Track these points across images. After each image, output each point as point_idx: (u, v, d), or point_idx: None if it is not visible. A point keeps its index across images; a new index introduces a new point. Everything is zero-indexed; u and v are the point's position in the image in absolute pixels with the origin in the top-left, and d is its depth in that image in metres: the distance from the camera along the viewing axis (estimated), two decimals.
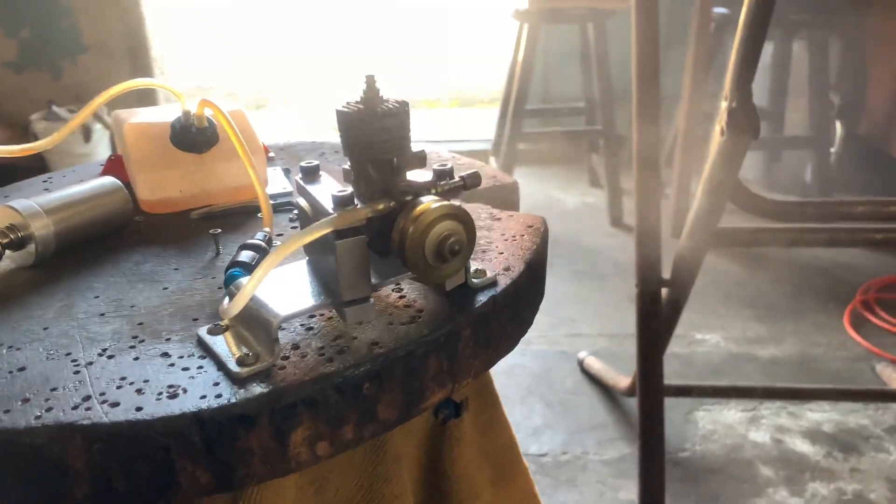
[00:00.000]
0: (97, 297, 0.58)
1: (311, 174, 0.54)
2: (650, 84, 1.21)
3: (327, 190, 0.49)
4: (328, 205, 0.47)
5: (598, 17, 2.42)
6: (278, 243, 0.66)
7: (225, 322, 0.51)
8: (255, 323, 0.49)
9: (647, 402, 1.31)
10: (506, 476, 0.75)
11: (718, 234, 1.14)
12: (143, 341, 0.51)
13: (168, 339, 0.51)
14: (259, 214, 0.69)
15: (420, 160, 0.48)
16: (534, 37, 2.41)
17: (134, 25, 3.19)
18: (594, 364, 1.90)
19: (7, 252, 0.62)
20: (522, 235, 0.65)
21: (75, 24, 3.15)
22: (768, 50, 2.59)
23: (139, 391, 0.45)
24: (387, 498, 0.62)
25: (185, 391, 0.45)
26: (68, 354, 0.50)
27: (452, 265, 0.46)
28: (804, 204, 1.11)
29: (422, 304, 0.54)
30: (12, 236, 0.61)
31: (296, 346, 0.49)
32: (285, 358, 0.48)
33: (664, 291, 1.32)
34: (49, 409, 0.44)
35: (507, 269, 0.59)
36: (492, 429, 0.73)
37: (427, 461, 0.68)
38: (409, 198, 0.47)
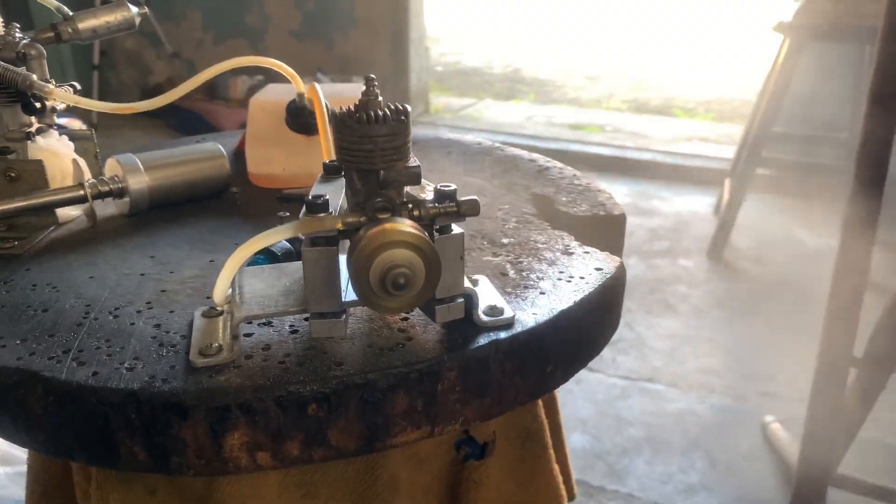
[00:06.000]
0: (153, 256, 0.62)
1: (333, 172, 0.51)
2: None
3: (323, 192, 0.46)
4: (304, 208, 0.44)
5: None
6: None
7: (221, 307, 0.51)
8: (232, 315, 0.48)
9: (801, 494, 1.10)
10: None
11: None
12: (151, 308, 0.53)
13: (172, 312, 0.53)
14: None
15: (412, 176, 0.43)
16: (794, 54, 2.12)
17: (399, 7, 3.39)
18: (779, 433, 1.65)
19: (113, 200, 0.68)
20: (582, 278, 0.56)
21: (351, 1, 3.44)
22: None
23: (109, 356, 0.47)
24: None
25: (143, 367, 0.46)
26: (88, 306, 0.53)
27: (399, 300, 0.41)
28: None
29: (416, 333, 0.49)
30: (112, 187, 0.66)
31: (266, 347, 0.48)
32: (249, 357, 0.47)
33: (853, 372, 1.09)
34: (31, 354, 0.47)
35: (535, 312, 0.51)
36: (532, 482, 0.66)
37: (446, 496, 0.63)
38: (384, 215, 0.42)
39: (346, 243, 0.45)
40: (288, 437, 0.45)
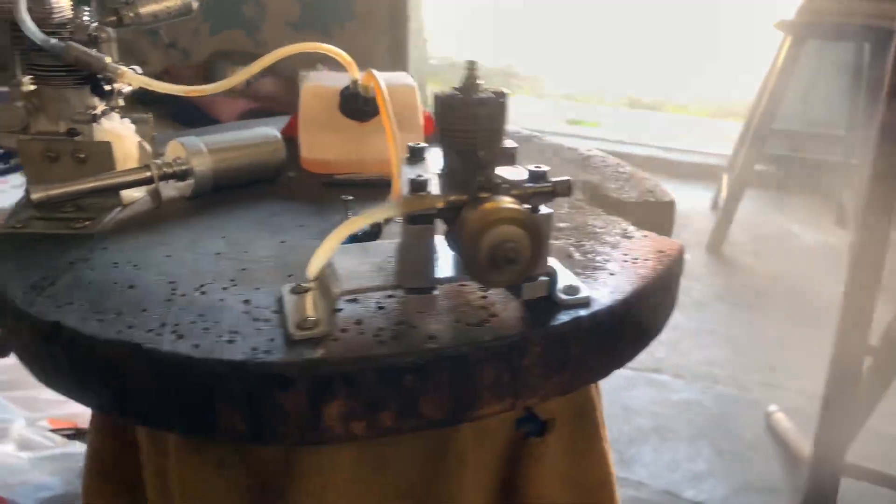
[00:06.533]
0: (223, 237, 0.63)
1: (417, 155, 0.53)
2: None
3: (418, 172, 0.48)
4: (405, 188, 0.46)
5: (878, 36, 2.10)
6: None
7: (308, 284, 0.52)
8: (326, 291, 0.50)
9: (816, 480, 1.14)
10: None
11: None
12: (235, 285, 0.55)
13: (257, 289, 0.54)
14: None
15: (509, 157, 0.45)
16: (795, 51, 2.16)
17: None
18: (783, 422, 1.69)
19: (172, 182, 0.69)
20: (646, 260, 0.59)
21: None
22: None
23: (206, 329, 0.48)
24: (446, 497, 0.60)
25: (242, 340, 0.47)
26: (171, 283, 0.55)
27: (507, 274, 0.43)
28: None
29: (498, 310, 0.51)
30: (177, 169, 0.67)
31: (359, 322, 0.49)
32: (344, 331, 0.48)
33: (868, 360, 1.13)
34: (130, 327, 0.49)
35: (610, 292, 0.53)
36: (585, 460, 0.68)
37: (504, 472, 0.65)
38: (484, 194, 0.44)
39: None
40: (383, 407, 0.47)
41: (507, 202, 0.42)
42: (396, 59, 3.53)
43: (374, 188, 0.75)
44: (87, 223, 0.63)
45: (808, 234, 2.71)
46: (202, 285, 0.54)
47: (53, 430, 1.37)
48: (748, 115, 2.56)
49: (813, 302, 2.30)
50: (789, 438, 1.64)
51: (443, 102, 0.44)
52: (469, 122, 0.44)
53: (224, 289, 0.54)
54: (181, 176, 0.68)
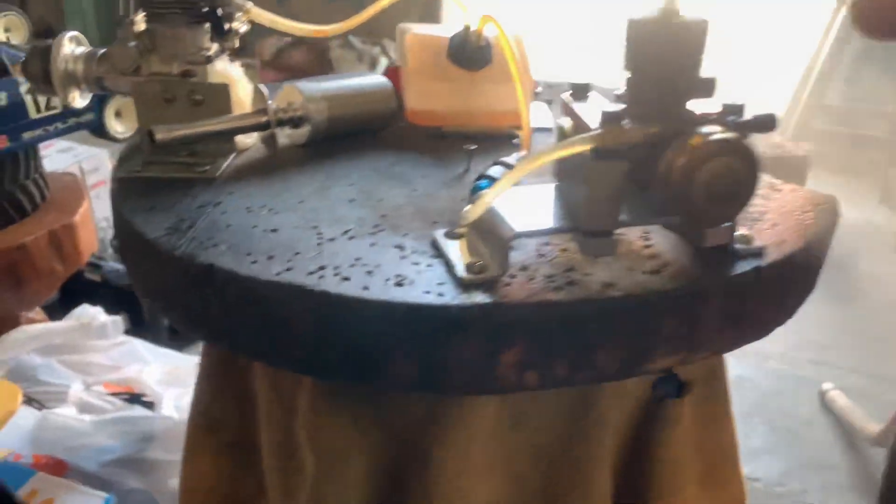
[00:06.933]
0: (352, 184, 0.60)
1: (581, 92, 0.50)
2: None
3: (595, 108, 0.45)
4: (593, 123, 0.43)
5: None
6: None
7: (461, 229, 0.50)
8: (489, 235, 0.47)
9: None
10: (717, 478, 0.67)
11: None
12: (382, 230, 0.52)
13: (405, 235, 0.51)
14: (515, 140, 0.67)
15: (707, 88, 0.42)
16: (849, 25, 2.11)
17: None
18: (839, 400, 1.66)
19: (286, 130, 0.66)
20: (806, 212, 0.56)
21: None
22: None
23: (369, 273, 0.46)
24: (582, 458, 0.58)
25: (411, 283, 0.45)
26: (314, 227, 0.52)
27: (724, 211, 0.40)
28: None
29: (669, 258, 0.48)
30: (292, 114, 0.64)
31: (524, 268, 0.47)
32: (512, 277, 0.46)
33: None
34: (288, 270, 0.46)
35: (780, 243, 0.50)
36: (714, 424, 0.66)
37: (634, 435, 0.63)
38: (687, 128, 0.41)
39: None
40: (559, 356, 0.44)
41: (721, 133, 0.39)
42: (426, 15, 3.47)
43: (485, 140, 0.71)
44: (206, 168, 0.60)
45: (853, 212, 2.66)
46: (347, 230, 0.52)
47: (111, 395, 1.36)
48: (795, 89, 2.50)
49: (858, 280, 2.26)
50: (848, 417, 1.61)
51: (640, 27, 0.41)
52: (671, 48, 0.41)
53: (371, 234, 0.51)
54: (297, 122, 0.65)
